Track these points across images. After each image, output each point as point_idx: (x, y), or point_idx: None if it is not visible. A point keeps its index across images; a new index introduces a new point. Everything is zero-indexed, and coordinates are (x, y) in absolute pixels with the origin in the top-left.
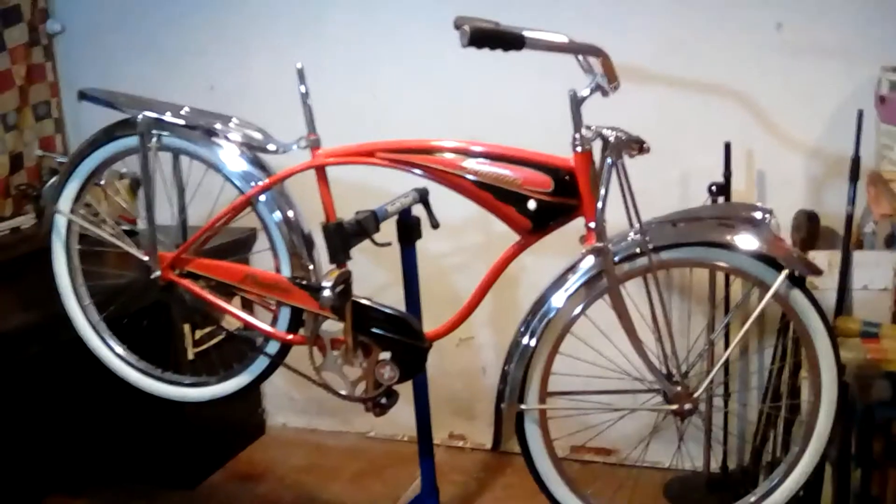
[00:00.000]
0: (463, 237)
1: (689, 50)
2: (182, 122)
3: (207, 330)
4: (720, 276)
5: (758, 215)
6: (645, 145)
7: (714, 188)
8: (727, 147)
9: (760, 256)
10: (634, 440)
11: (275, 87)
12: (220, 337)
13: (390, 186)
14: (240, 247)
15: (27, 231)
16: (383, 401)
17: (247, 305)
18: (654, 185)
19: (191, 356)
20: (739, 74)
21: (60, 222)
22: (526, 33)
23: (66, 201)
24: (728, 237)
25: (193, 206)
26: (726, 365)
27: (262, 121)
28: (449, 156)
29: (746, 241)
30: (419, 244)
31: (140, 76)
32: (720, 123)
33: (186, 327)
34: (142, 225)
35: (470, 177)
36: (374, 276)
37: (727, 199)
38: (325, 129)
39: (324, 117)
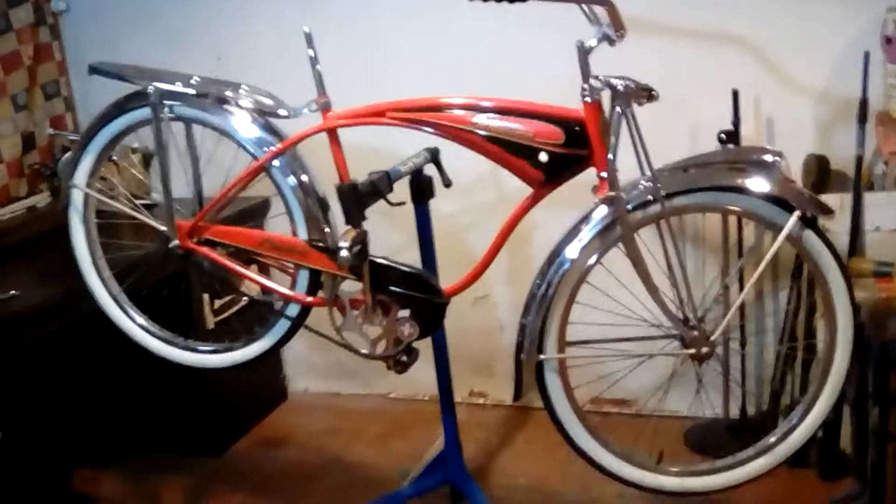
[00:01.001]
0: (475, 195)
1: None
2: (192, 91)
3: (227, 298)
4: (733, 221)
5: (768, 158)
6: (654, 93)
7: (723, 136)
8: (735, 94)
9: (772, 198)
10: (652, 390)
11: (281, 55)
12: (242, 304)
13: (401, 148)
14: (254, 214)
15: (42, 210)
16: (404, 358)
17: (264, 271)
18: (664, 135)
19: (211, 325)
20: (743, 20)
21: (77, 196)
22: None
23: (81, 175)
24: (739, 181)
25: (206, 176)
26: (742, 309)
27: (270, 88)
28: (459, 112)
29: (758, 184)
30: (432, 203)
31: (146, 51)
32: (727, 71)
33: (206, 296)
34: (157, 197)
35: (480, 132)
36: (389, 237)
37: (737, 146)
38: (332, 93)
39: (331, 81)
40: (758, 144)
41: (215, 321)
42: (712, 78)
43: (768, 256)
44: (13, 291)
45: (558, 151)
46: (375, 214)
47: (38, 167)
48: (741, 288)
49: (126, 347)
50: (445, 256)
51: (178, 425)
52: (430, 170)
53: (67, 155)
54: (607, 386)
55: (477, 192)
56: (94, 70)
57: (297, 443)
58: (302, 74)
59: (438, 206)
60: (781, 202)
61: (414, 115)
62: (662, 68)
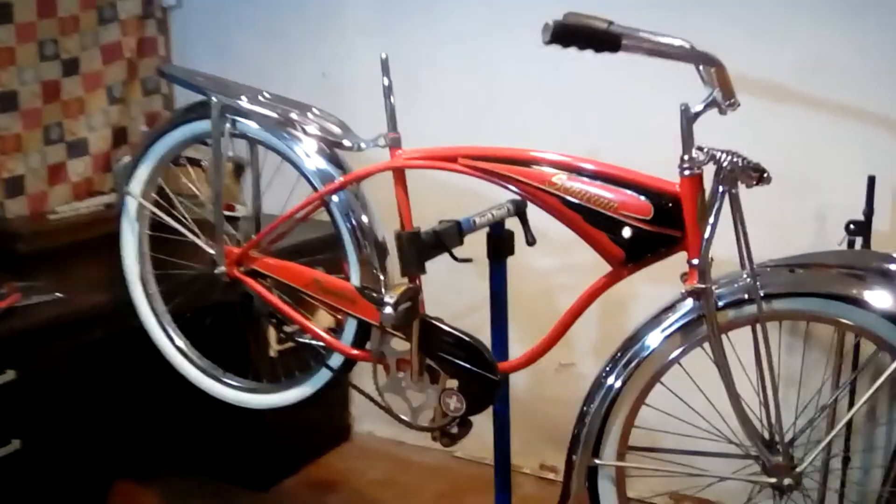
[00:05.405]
0: (572, 253)
1: (837, 69)
2: (257, 108)
3: (282, 335)
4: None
5: (894, 268)
6: (765, 174)
7: (852, 227)
8: (871, 181)
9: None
10: (737, 494)
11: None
12: (289, 345)
13: (489, 193)
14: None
15: None
16: (453, 430)
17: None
18: (788, 218)
19: (273, 353)
20: (892, 101)
21: (131, 205)
22: (623, 33)
23: (137, 184)
24: (856, 290)
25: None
26: (844, 432)
27: (373, 112)
28: (537, 168)
29: (879, 298)
30: (522, 258)
31: (254, 56)
32: (865, 154)
33: (270, 330)
34: (242, 212)
35: (558, 194)
36: (478, 289)
37: (867, 239)
38: (433, 126)
39: (432, 114)
40: (893, 242)
41: (278, 349)
42: (847, 160)
43: (881, 380)
44: (57, 294)
45: (644, 228)
46: (462, 264)
47: None
48: (848, 406)
49: None
50: (530, 319)
51: (226, 451)
52: (512, 223)
53: (127, 160)
54: (687, 488)
55: (574, 249)
56: (162, 74)
57: (349, 489)
58: (408, 99)
59: (529, 261)
60: None
61: (487, 164)
62: (791, 142)
